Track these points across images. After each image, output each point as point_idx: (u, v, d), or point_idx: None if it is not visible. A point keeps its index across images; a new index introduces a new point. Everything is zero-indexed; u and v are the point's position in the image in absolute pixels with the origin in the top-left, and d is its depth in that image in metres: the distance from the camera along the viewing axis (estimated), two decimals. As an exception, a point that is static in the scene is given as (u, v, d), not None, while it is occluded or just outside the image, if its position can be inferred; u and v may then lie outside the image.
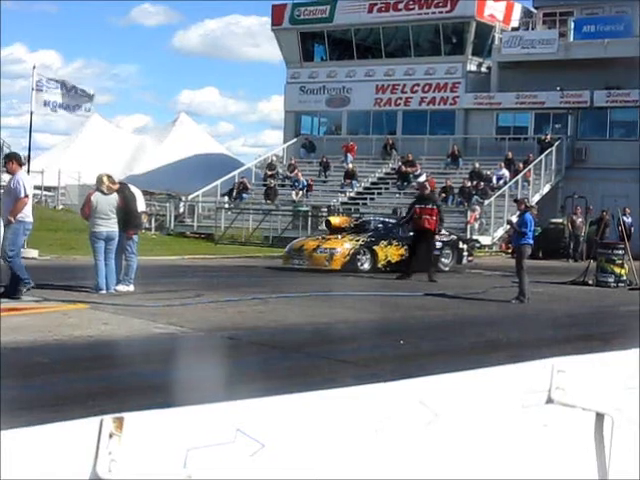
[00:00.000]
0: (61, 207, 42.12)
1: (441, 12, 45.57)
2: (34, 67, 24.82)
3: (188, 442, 2.66)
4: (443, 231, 26.44)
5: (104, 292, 15.45)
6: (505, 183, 39.46)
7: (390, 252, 24.08)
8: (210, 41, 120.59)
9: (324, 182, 45.28)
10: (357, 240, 23.82)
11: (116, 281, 15.90)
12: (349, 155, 45.71)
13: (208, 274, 21.68)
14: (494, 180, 40.24)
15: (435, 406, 3.33)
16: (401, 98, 47.53)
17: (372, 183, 44.56)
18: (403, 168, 42.87)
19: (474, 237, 32.67)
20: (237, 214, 39.26)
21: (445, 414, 3.35)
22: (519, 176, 39.62)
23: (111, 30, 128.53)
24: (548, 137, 42.24)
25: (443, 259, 25.27)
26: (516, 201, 20.71)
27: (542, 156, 41.14)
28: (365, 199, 42.71)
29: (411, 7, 46.39)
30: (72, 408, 6.94)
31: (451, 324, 14.52)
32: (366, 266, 23.47)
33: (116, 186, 16.41)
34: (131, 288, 16.05)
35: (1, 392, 6.77)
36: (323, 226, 29.36)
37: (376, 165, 45.78)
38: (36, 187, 41.68)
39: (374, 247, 23.81)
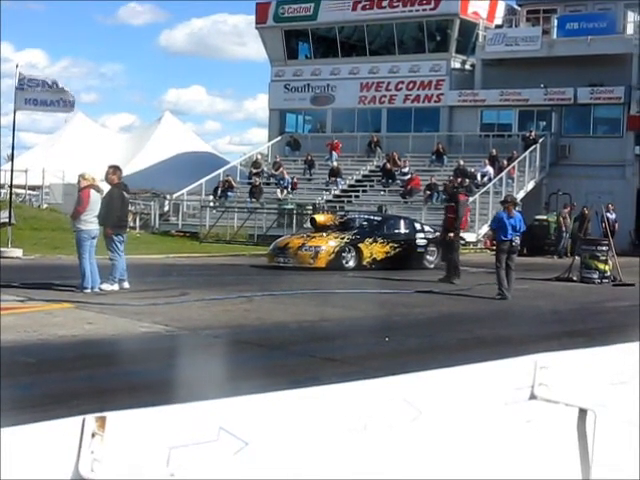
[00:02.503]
0: (45, 206, 41.95)
1: (425, 10, 45.59)
2: (17, 66, 24.78)
3: (171, 441, 2.66)
4: (428, 228, 26.47)
5: (89, 291, 15.43)
6: (489, 180, 39.54)
7: (375, 249, 24.14)
8: (197, 40, 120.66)
9: (309, 180, 45.28)
10: (342, 238, 23.85)
11: (100, 280, 15.88)
12: (334, 153, 45.72)
13: (193, 273, 21.67)
14: (479, 177, 40.33)
15: (419, 403, 3.33)
16: (385, 96, 47.55)
17: (357, 181, 44.59)
18: (388, 165, 42.91)
19: None
20: (222, 212, 39.19)
21: (429, 411, 3.36)
22: (503, 173, 39.69)
23: (98, 29, 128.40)
24: (532, 134, 42.33)
25: (428, 256, 25.35)
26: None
27: (526, 153, 41.25)
28: (350, 197, 42.71)
29: (395, 5, 46.40)
30: (56, 407, 6.92)
31: (436, 321, 14.56)
32: (351, 264, 23.51)
33: (117, 181, 16.53)
34: (116, 287, 16.02)
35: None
36: (308, 224, 29.36)
37: (361, 163, 45.80)
38: (20, 186, 41.62)
39: (359, 244, 23.85)
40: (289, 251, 23.61)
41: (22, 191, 44.15)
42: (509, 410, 3.59)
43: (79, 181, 16.24)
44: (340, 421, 3.15)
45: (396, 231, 25.50)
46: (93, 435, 2.52)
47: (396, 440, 3.27)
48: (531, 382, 3.63)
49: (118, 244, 16.22)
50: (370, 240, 24.19)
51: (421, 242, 25.34)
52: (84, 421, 2.52)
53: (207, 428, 2.75)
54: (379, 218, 27.31)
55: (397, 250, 24.64)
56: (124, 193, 16.59)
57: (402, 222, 26.28)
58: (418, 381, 3.43)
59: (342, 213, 32.39)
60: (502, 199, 20.54)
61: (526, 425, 3.63)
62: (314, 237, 24.20)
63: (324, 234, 24.26)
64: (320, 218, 27.05)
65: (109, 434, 2.55)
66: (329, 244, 23.51)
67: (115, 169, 16.90)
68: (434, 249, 25.42)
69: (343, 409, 3.17)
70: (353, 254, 23.66)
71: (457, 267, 20.97)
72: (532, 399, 3.64)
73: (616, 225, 34.25)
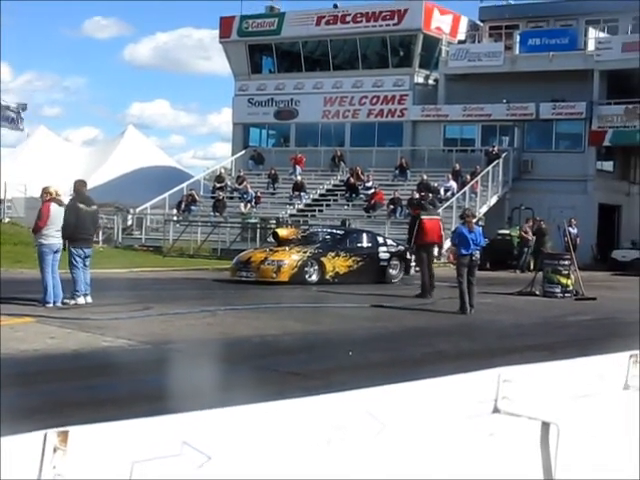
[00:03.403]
0: (7, 220, 41.64)
1: (388, 25, 45.81)
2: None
3: (133, 455, 2.64)
4: (391, 242, 26.52)
5: (51, 305, 15.32)
6: (453, 195, 39.67)
7: (338, 263, 24.08)
8: (161, 53, 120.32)
9: (272, 194, 45.27)
10: (305, 252, 23.79)
11: (63, 295, 15.77)
12: (297, 167, 45.73)
13: (156, 287, 21.56)
14: (442, 192, 40.44)
15: (383, 416, 3.33)
16: (349, 110, 47.68)
17: (321, 195, 44.60)
18: (351, 180, 42.99)
19: None
20: (185, 226, 39.09)
21: (393, 424, 3.36)
22: (466, 188, 39.85)
23: (63, 42, 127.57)
24: (495, 149, 42.58)
25: (391, 270, 25.31)
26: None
27: (489, 168, 41.43)
28: (314, 211, 42.73)
29: (359, 20, 46.60)
30: (18, 423, 6.85)
31: (400, 335, 14.56)
32: (314, 278, 23.44)
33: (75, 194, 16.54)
34: (81, 301, 15.93)
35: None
36: (271, 238, 29.25)
37: (324, 177, 45.82)
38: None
39: (322, 258, 23.79)
40: (252, 265, 23.47)
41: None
42: (472, 423, 3.60)
43: (42, 195, 16.13)
44: (304, 435, 3.14)
45: (359, 245, 25.42)
46: (55, 450, 2.50)
47: (360, 454, 3.27)
48: (494, 395, 3.65)
49: (77, 257, 16.09)
50: (333, 254, 24.11)
51: (384, 255, 25.28)
52: (46, 436, 2.50)
53: (170, 442, 2.74)
54: (342, 232, 27.19)
55: (360, 264, 24.56)
56: (80, 206, 16.32)
57: (365, 236, 26.25)
58: (382, 395, 3.43)
59: (305, 227, 32.31)
60: (460, 213, 20.59)
61: (489, 438, 3.64)
62: (277, 251, 24.08)
63: (287, 248, 24.18)
64: (283, 232, 26.84)
65: (71, 449, 2.53)
66: (292, 258, 23.41)
67: (77, 183, 16.88)
68: (397, 263, 25.45)
69: (307, 423, 3.16)
70: (316, 268, 23.58)
71: (423, 283, 20.87)
72: (495, 412, 3.65)
73: (578, 239, 34.46)
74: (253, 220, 40.34)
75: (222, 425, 2.92)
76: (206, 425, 2.87)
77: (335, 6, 47.57)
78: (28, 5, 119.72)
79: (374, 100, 47.02)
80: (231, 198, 44.64)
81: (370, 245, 25.54)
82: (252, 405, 3.11)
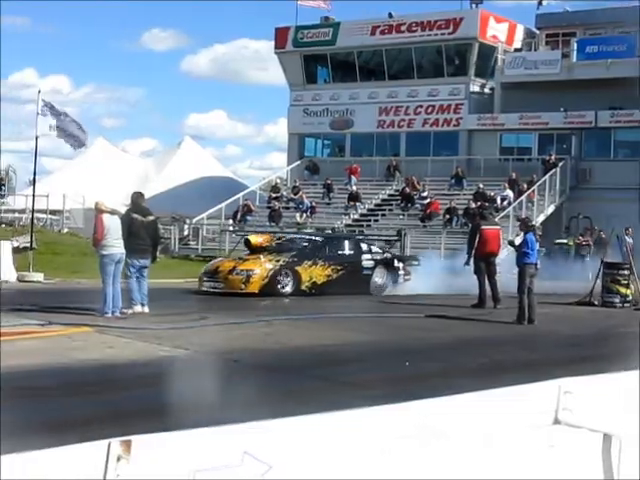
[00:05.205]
0: (66, 230, 42.15)
1: (444, 34, 45.72)
2: (39, 91, 24.97)
3: (195, 464, 2.66)
4: (376, 249, 25.54)
5: (109, 315, 15.46)
6: (509, 204, 39.43)
7: (315, 273, 22.63)
8: (219, 65, 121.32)
9: (328, 204, 45.31)
10: (277, 260, 22.29)
11: (121, 304, 15.93)
12: (353, 177, 45.75)
13: (212, 296, 21.65)
14: (498, 201, 40.22)
15: (440, 427, 3.33)
16: (404, 120, 47.61)
17: (376, 205, 44.59)
18: (407, 189, 42.91)
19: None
20: (241, 237, 39.13)
21: (451, 435, 3.35)
22: (523, 197, 39.60)
23: (121, 55, 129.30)
24: (552, 157, 42.23)
25: (376, 279, 24.00)
26: (519, 220, 20.66)
27: (546, 177, 41.12)
28: (369, 221, 42.71)
29: (414, 29, 46.55)
30: (77, 432, 6.92)
31: (455, 345, 14.49)
32: (288, 289, 22.00)
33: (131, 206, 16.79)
34: (138, 309, 16.08)
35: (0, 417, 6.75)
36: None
37: (380, 187, 45.79)
38: (41, 211, 41.84)
39: (297, 267, 22.28)
40: (219, 275, 21.99)
41: (43, 215, 44.32)
42: (532, 435, 3.57)
43: (95, 209, 16.39)
44: (361, 445, 3.15)
45: (339, 252, 23.93)
46: (119, 458, 2.52)
47: (418, 463, 3.27)
48: (555, 407, 3.62)
49: (131, 268, 16.25)
50: (309, 262, 22.59)
51: (367, 264, 23.86)
52: (110, 445, 2.53)
53: (231, 452, 2.76)
54: (320, 239, 25.50)
55: (340, 273, 23.07)
56: (134, 216, 16.47)
57: (346, 243, 24.79)
58: (439, 406, 3.42)
59: (281, 234, 30.46)
60: (522, 221, 20.31)
61: (549, 450, 3.61)
62: (247, 260, 22.65)
63: (261, 256, 22.52)
64: (255, 239, 24.55)
65: (134, 457, 2.55)
66: (264, 267, 21.85)
67: (134, 195, 17.16)
68: (384, 271, 24.09)
69: (364, 433, 3.17)
70: (290, 278, 22.03)
71: (481, 293, 20.65)
72: (556, 424, 3.62)
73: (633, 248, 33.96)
74: (308, 230, 40.37)
75: (282, 435, 2.93)
76: (266, 435, 2.88)
77: (390, 15, 47.61)
78: (88, 19, 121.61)
79: (429, 109, 46.91)
80: (287, 208, 44.78)
81: (352, 253, 24.09)
82: (310, 416, 3.12)
